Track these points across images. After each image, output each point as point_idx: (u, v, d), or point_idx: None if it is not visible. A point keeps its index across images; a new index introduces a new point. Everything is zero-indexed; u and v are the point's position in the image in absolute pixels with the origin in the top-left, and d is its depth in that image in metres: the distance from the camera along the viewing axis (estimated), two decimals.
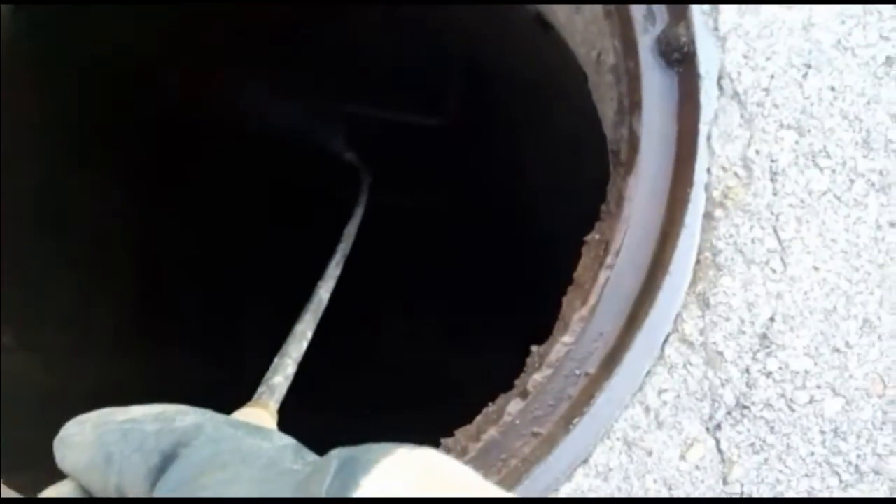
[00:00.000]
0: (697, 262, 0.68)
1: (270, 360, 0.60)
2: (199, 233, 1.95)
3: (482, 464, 0.65)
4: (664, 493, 0.67)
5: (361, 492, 0.27)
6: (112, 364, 1.78)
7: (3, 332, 1.49)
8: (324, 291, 0.79)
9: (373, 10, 1.60)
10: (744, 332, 0.68)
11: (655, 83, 0.71)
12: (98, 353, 1.75)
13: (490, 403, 0.69)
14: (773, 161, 0.70)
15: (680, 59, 0.70)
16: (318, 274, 0.88)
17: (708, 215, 0.68)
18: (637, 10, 0.72)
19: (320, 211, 1.66)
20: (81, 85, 1.49)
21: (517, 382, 0.69)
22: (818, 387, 0.68)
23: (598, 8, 0.79)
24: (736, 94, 0.70)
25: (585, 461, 0.66)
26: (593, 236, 0.73)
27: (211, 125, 1.70)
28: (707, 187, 0.68)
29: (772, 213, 0.69)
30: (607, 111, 0.84)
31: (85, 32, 1.38)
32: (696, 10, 0.72)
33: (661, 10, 0.72)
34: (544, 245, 1.82)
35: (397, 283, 2.06)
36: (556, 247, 1.80)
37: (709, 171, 0.68)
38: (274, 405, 0.54)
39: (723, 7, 0.73)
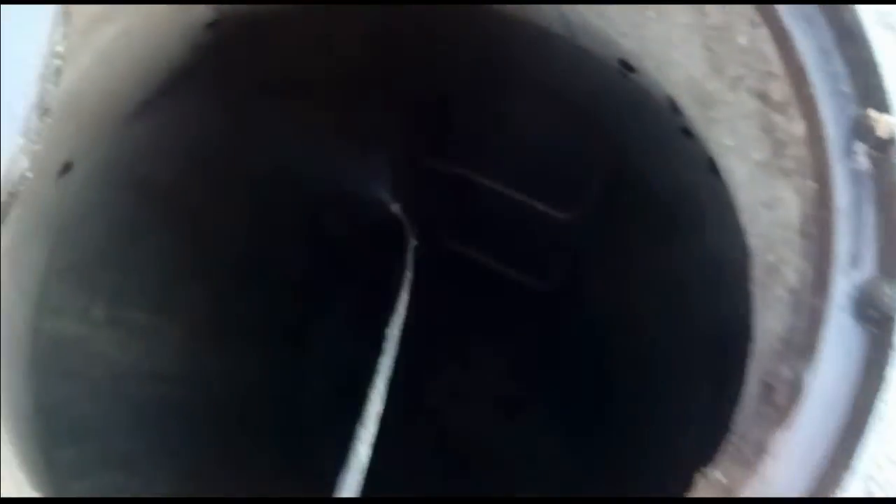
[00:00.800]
0: None
1: None
2: None
3: None
4: None
5: None
6: (188, 352, 1.80)
7: (93, 305, 1.53)
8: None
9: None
10: None
11: (840, 334, 0.63)
12: (177, 340, 1.78)
13: None
14: None
15: (877, 319, 0.62)
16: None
17: None
18: (842, 248, 0.65)
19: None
20: None
21: None
22: None
23: (796, 221, 0.72)
24: None
25: None
26: (714, 474, 0.65)
27: None
28: (869, 480, 0.60)
29: None
30: (769, 320, 0.76)
31: None
32: None
33: (869, 257, 0.64)
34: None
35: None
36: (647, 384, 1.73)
37: (877, 464, 0.59)
38: None
39: None
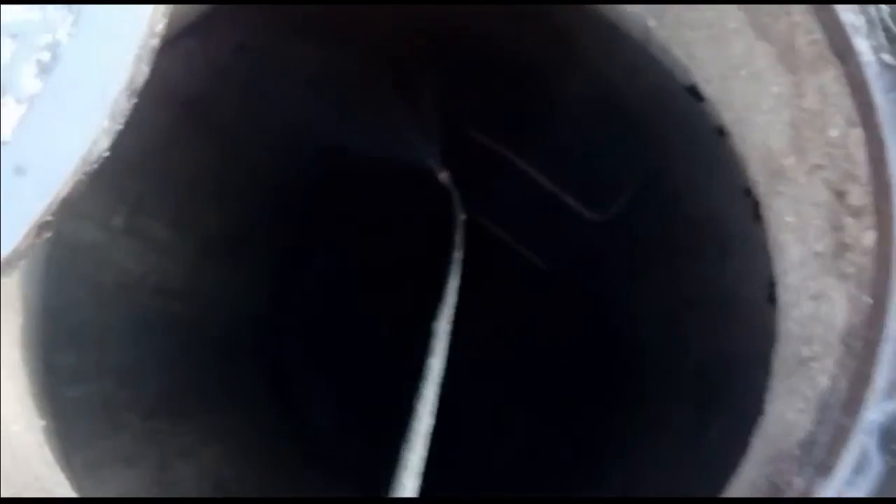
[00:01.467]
0: None
1: None
2: None
3: None
4: None
5: None
6: (198, 269, 1.81)
7: (115, 213, 1.53)
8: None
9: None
10: None
11: (861, 460, 0.65)
12: (189, 256, 1.79)
13: None
14: None
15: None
16: None
17: None
18: (883, 375, 0.65)
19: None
20: None
21: None
22: None
23: (841, 327, 0.72)
24: None
25: None
26: None
27: None
28: None
29: None
30: (787, 412, 0.77)
31: None
32: None
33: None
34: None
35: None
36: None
37: None
38: None
39: None
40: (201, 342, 1.83)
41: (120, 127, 0.56)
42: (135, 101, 0.56)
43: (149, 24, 0.55)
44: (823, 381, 0.72)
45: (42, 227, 0.55)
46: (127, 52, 0.54)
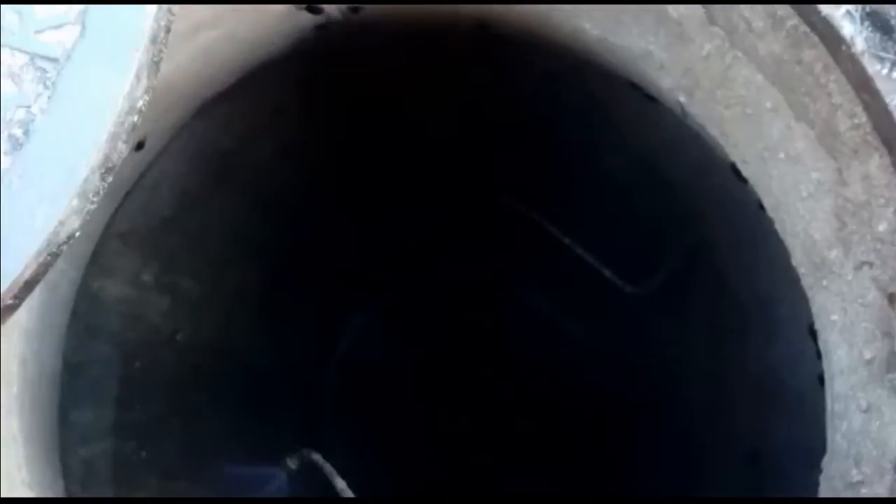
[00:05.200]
0: None
1: None
2: None
3: None
4: None
5: None
6: (229, 326, 1.80)
7: (145, 270, 1.53)
8: None
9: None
10: None
11: None
12: (222, 313, 1.78)
13: None
14: None
15: None
16: None
17: None
18: None
19: None
20: None
21: None
22: None
23: (894, 449, 0.63)
24: None
25: None
26: None
27: None
28: None
29: None
30: None
31: None
32: None
33: None
34: None
35: None
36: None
37: None
38: None
39: None
40: (229, 399, 1.81)
41: (93, 206, 0.53)
42: (110, 179, 0.54)
43: (127, 100, 0.53)
44: None
45: (5, 309, 0.52)
46: (101, 131, 0.51)
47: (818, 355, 0.89)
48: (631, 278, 1.62)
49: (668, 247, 1.62)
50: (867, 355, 0.69)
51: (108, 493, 1.40)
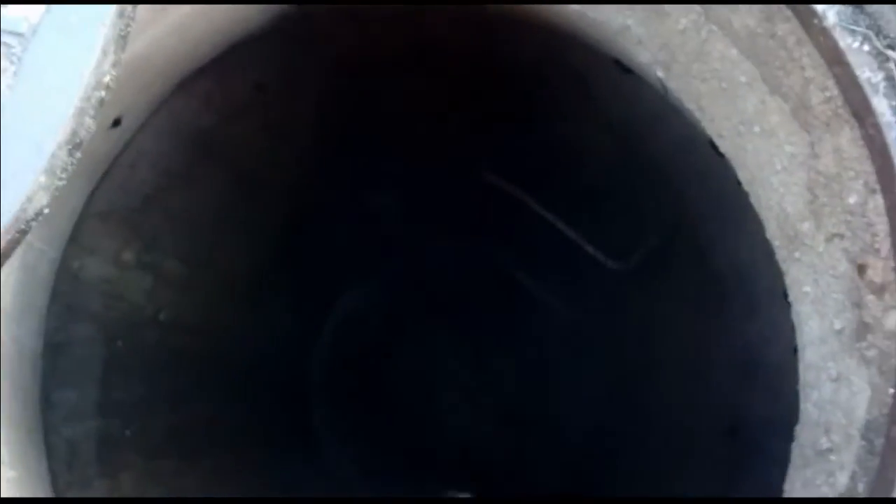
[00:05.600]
0: None
1: None
2: None
3: None
4: None
5: None
6: (213, 305, 1.79)
7: (126, 249, 1.52)
8: None
9: None
10: None
11: None
12: (204, 292, 1.77)
13: None
14: None
15: None
16: None
17: None
18: None
19: None
20: None
21: None
22: None
23: (862, 417, 0.64)
24: None
25: None
26: None
27: None
28: None
29: None
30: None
31: None
32: None
33: None
34: None
35: None
36: None
37: None
38: None
39: None
40: (216, 379, 1.80)
41: (62, 182, 0.53)
42: (78, 155, 0.53)
43: (94, 75, 0.52)
44: (842, 480, 0.64)
45: None
46: (68, 106, 0.51)
47: (793, 329, 0.90)
48: (613, 254, 1.63)
49: (650, 222, 1.63)
50: (837, 325, 0.70)
51: (92, 472, 1.40)
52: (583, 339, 1.80)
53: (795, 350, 0.91)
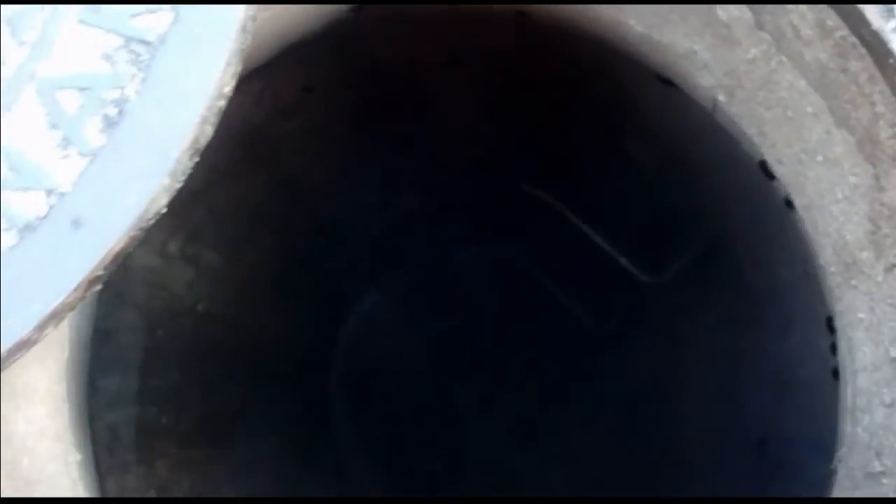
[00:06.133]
0: None
1: None
2: None
3: None
4: None
5: None
6: (250, 300, 1.83)
7: (171, 240, 1.56)
8: None
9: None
10: None
11: None
12: (243, 286, 1.81)
13: None
14: None
15: None
16: None
17: None
18: None
19: None
20: None
21: None
22: None
23: None
24: None
25: None
26: None
27: None
28: None
29: None
30: None
31: None
32: None
33: None
34: None
35: None
36: None
37: None
38: None
39: None
40: (246, 372, 1.84)
41: (180, 185, 0.56)
42: (196, 160, 0.56)
43: (217, 86, 0.55)
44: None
45: (92, 281, 0.55)
46: (193, 114, 0.54)
47: (833, 350, 0.93)
48: (647, 268, 1.65)
49: (687, 237, 1.65)
50: (893, 353, 0.73)
51: (131, 458, 1.44)
52: (612, 351, 1.83)
53: (835, 373, 0.93)
